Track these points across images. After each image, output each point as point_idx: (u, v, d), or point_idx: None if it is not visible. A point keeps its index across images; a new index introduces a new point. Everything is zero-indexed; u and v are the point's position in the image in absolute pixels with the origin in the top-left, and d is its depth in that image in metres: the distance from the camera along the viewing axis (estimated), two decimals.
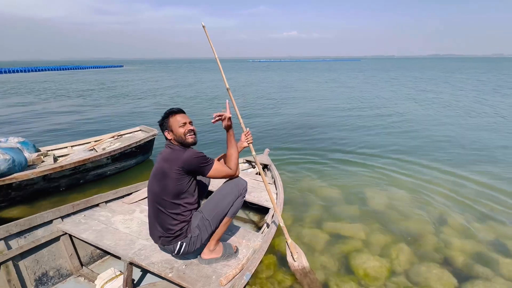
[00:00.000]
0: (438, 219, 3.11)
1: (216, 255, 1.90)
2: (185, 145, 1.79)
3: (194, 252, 1.85)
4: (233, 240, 2.16)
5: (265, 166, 3.84)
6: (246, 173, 3.82)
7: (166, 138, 1.83)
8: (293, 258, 2.23)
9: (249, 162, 4.03)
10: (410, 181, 4.07)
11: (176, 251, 1.77)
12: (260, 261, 2.29)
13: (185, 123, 1.80)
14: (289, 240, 2.26)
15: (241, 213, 3.15)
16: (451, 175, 4.26)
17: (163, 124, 1.83)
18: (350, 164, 4.76)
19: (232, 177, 1.90)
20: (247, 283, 2.03)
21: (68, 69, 48.27)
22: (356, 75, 29.06)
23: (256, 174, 3.84)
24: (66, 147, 4.51)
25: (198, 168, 1.73)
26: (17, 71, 39.51)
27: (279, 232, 2.88)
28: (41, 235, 2.02)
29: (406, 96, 12.83)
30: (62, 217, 2.17)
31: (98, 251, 2.26)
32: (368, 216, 3.16)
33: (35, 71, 42.14)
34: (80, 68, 50.31)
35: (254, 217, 3.10)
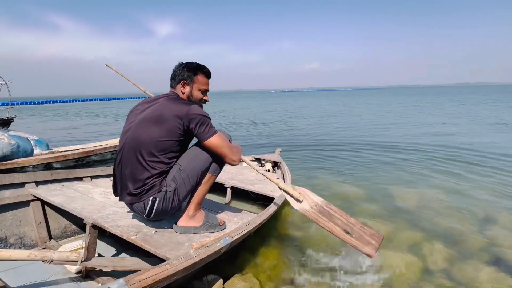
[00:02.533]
0: (483, 217, 2.52)
1: (196, 223, 1.55)
2: None
3: (169, 213, 1.53)
4: (223, 217, 1.80)
5: (275, 164, 3.64)
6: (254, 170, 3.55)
7: (172, 87, 1.59)
8: (296, 200, 1.70)
9: (258, 160, 3.82)
10: (446, 180, 3.50)
11: (147, 210, 1.44)
12: (260, 252, 1.90)
13: (206, 90, 1.61)
14: (281, 185, 1.75)
15: (243, 205, 2.79)
16: (498, 171, 3.61)
17: (186, 74, 1.55)
18: (374, 163, 4.26)
19: (230, 159, 1.54)
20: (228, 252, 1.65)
21: (106, 99, 53.69)
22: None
23: (265, 171, 3.57)
24: (79, 149, 4.51)
25: (199, 127, 1.44)
26: (67, 102, 46.64)
27: (281, 214, 2.52)
28: (8, 196, 1.81)
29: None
30: (37, 183, 1.97)
31: (73, 226, 2.00)
32: (394, 213, 2.64)
33: (80, 101, 48.47)
34: (115, 99, 55.71)
35: (258, 210, 2.73)
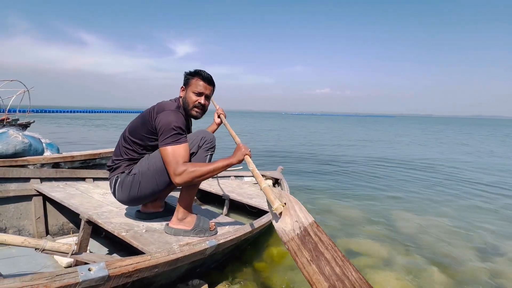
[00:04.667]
0: (487, 247, 2.43)
1: (186, 226, 1.58)
2: (186, 112, 1.62)
3: (130, 202, 1.60)
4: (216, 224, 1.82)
5: (276, 181, 3.65)
6: (256, 186, 3.57)
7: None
8: (272, 210, 1.19)
9: None
10: (451, 208, 3.41)
11: (112, 188, 1.58)
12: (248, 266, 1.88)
13: (201, 94, 1.60)
14: (264, 185, 1.28)
15: (240, 218, 2.79)
16: (503, 202, 3.49)
17: (185, 80, 1.65)
18: (377, 190, 4.20)
19: (170, 178, 1.42)
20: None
21: (121, 112, 55.95)
22: None
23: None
24: (85, 154, 4.65)
25: (160, 133, 1.44)
26: (85, 112, 49.57)
27: (270, 233, 2.47)
28: (13, 189, 1.89)
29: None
30: (42, 179, 2.06)
31: (71, 224, 2.05)
32: (393, 237, 2.58)
33: (98, 112, 51.38)
34: (133, 112, 58.36)
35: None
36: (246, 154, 1.49)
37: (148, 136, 1.53)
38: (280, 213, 1.17)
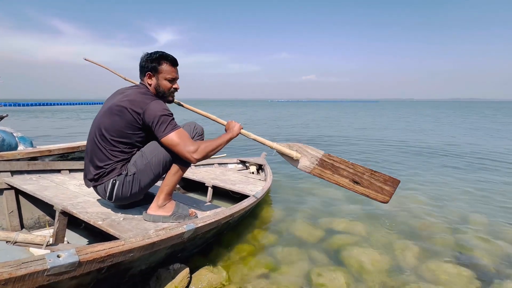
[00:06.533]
0: (458, 220, 2.58)
1: (165, 212, 1.58)
2: (161, 99, 1.57)
3: (130, 199, 1.54)
4: (197, 211, 1.83)
5: (260, 167, 3.74)
6: (240, 172, 3.61)
7: (141, 79, 1.60)
8: (294, 159, 1.65)
9: (243, 162, 3.90)
10: (426, 187, 3.56)
11: (108, 193, 1.47)
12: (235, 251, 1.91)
13: (174, 79, 1.60)
14: (275, 145, 1.68)
15: (224, 204, 2.82)
16: (475, 180, 3.69)
17: (150, 66, 1.54)
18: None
19: (186, 158, 1.47)
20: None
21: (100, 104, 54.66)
22: None
23: (250, 173, 3.62)
24: (63, 148, 4.49)
25: (155, 125, 1.42)
26: (68, 104, 47.65)
27: (259, 213, 2.55)
28: None
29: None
30: (13, 172, 1.98)
31: (47, 217, 2.00)
32: (371, 214, 2.69)
33: (81, 104, 49.56)
34: None
35: None
36: (240, 128, 1.67)
37: (134, 133, 1.47)
38: (298, 159, 1.67)
